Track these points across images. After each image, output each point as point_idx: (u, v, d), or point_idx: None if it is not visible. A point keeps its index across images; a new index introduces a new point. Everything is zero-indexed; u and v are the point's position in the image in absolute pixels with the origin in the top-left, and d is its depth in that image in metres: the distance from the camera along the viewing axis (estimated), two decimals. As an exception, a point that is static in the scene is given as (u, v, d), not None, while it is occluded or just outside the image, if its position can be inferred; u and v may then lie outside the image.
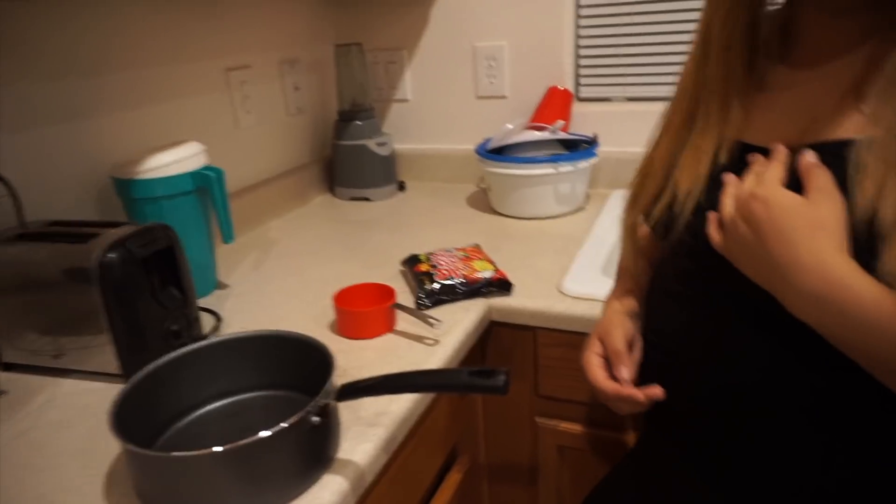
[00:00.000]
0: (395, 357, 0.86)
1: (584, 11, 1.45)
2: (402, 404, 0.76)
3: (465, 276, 1.01)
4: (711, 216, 0.61)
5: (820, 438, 0.57)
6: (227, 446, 0.56)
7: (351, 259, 1.21)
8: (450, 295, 0.99)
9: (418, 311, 0.94)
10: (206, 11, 1.28)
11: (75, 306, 0.82)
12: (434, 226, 1.37)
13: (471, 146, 1.48)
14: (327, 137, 1.66)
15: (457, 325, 0.93)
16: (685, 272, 0.68)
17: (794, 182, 0.56)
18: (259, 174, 1.48)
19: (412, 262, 1.08)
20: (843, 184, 0.53)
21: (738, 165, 0.62)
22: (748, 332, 0.60)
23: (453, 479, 1.00)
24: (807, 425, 0.57)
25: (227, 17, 1.34)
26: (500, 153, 1.40)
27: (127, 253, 0.80)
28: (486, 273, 1.02)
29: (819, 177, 0.54)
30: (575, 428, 1.06)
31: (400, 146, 1.69)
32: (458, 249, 1.11)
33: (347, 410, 0.73)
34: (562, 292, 1.00)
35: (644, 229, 0.79)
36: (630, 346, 0.74)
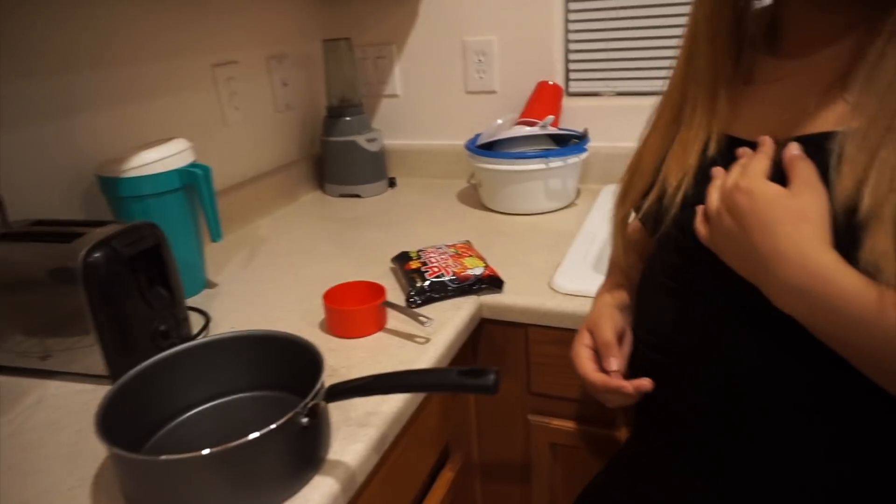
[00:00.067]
0: (385, 356, 0.86)
1: (574, 6, 1.45)
2: (392, 404, 0.75)
3: (455, 274, 1.00)
4: (699, 210, 0.61)
5: (816, 434, 0.57)
6: (216, 449, 0.56)
7: (341, 257, 1.21)
8: (440, 292, 0.99)
9: (409, 309, 0.94)
10: (191, 6, 1.27)
11: (61, 307, 0.81)
12: (425, 222, 1.37)
13: (461, 142, 1.47)
14: (316, 134, 1.65)
15: (448, 322, 0.93)
16: (674, 267, 0.68)
17: (780, 175, 0.56)
18: (247, 171, 1.47)
19: (403, 259, 1.08)
20: (827, 175, 0.53)
21: (727, 159, 0.62)
22: (739, 327, 0.60)
23: (446, 477, 1.00)
24: (801, 421, 0.57)
25: (213, 13, 1.32)
26: (490, 149, 1.40)
27: (112, 252, 0.79)
28: (476, 270, 1.01)
29: (803, 169, 0.55)
30: (567, 425, 1.05)
31: (390, 142, 1.68)
32: (448, 246, 1.10)
33: (338, 410, 0.73)
34: (553, 289, 1.00)
35: (634, 224, 0.79)
36: (619, 338, 0.74)
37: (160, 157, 0.98)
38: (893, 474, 0.56)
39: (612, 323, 0.74)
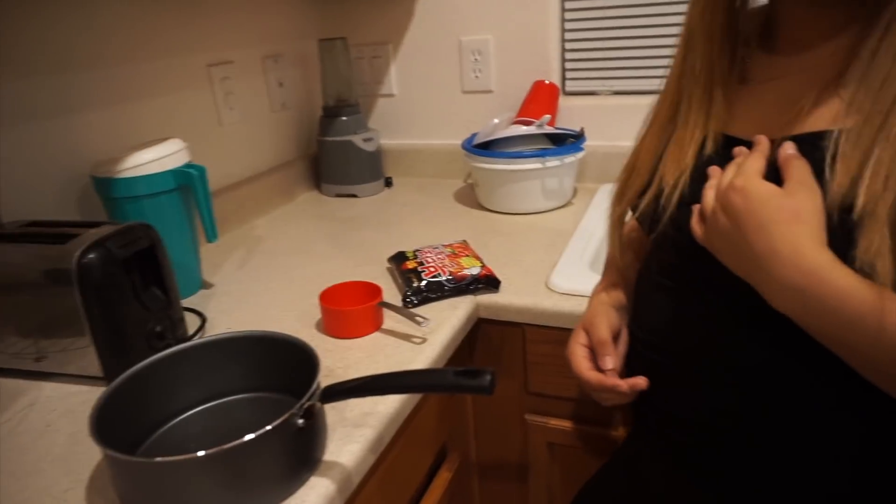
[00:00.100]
0: (382, 356, 0.85)
1: (570, 4, 1.44)
2: (389, 404, 0.75)
3: (452, 273, 1.00)
4: (695, 209, 0.61)
5: (815, 434, 0.57)
6: (211, 451, 0.55)
7: (337, 257, 1.20)
8: (437, 292, 0.99)
9: (405, 309, 0.93)
10: (186, 6, 1.26)
11: (56, 308, 0.81)
12: (421, 222, 1.36)
13: (457, 141, 1.47)
14: (313, 133, 1.65)
15: (444, 322, 0.92)
16: (671, 266, 0.68)
17: (776, 174, 0.56)
18: (243, 171, 1.46)
19: (399, 259, 1.07)
20: (822, 173, 0.53)
21: (723, 158, 0.62)
22: (737, 326, 0.60)
23: (443, 477, 1.00)
24: (801, 420, 0.57)
25: (208, 12, 1.32)
26: (486, 148, 1.39)
27: (107, 253, 0.79)
28: (473, 270, 1.01)
29: (797, 168, 0.54)
30: (565, 424, 1.05)
31: (386, 142, 1.68)
32: (445, 246, 1.10)
33: (334, 411, 0.72)
34: (550, 288, 1.00)
35: (631, 223, 0.79)
36: (615, 337, 0.74)
37: (155, 158, 0.98)
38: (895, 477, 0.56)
39: (607, 322, 0.74)
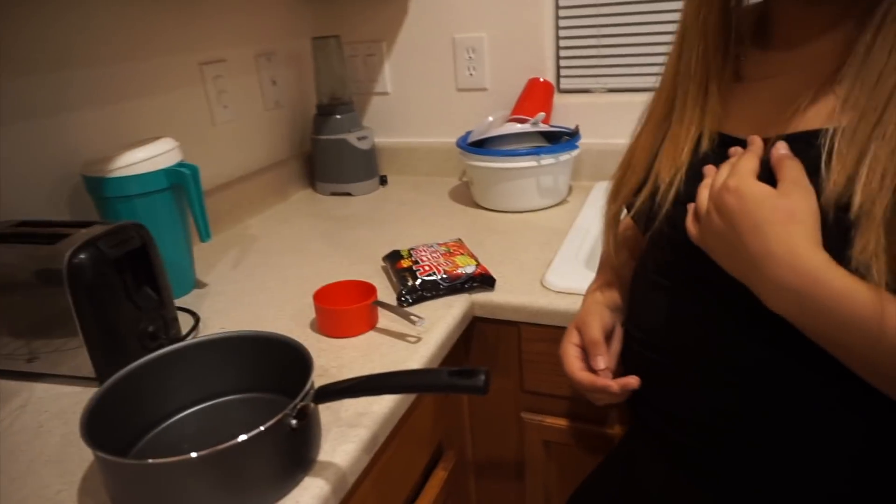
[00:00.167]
0: (377, 355, 0.85)
1: (564, 2, 1.44)
2: (383, 404, 0.74)
3: (447, 272, 1.00)
4: (690, 208, 0.61)
5: (814, 433, 0.56)
6: (204, 452, 0.55)
7: (332, 256, 1.20)
8: (432, 291, 0.98)
9: (400, 308, 0.93)
10: (177, 4, 1.25)
11: (47, 309, 0.80)
12: (416, 220, 1.36)
13: (452, 139, 1.46)
14: (306, 132, 1.64)
15: (439, 321, 0.92)
16: (666, 264, 0.67)
17: (769, 173, 0.56)
18: (237, 170, 1.46)
19: (394, 258, 1.07)
20: (818, 172, 0.53)
21: (719, 156, 0.62)
22: (733, 325, 0.59)
23: (439, 476, 0.99)
24: (798, 420, 0.57)
25: (200, 10, 1.31)
26: (481, 146, 1.39)
27: (98, 253, 0.78)
28: (468, 268, 1.01)
29: (791, 168, 0.54)
30: (560, 423, 1.05)
31: (380, 140, 1.67)
32: (440, 244, 1.10)
33: (328, 411, 0.72)
34: (545, 286, 1.00)
35: (626, 221, 0.79)
36: (608, 336, 0.74)
37: (147, 157, 0.97)
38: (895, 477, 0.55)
39: (599, 321, 0.74)
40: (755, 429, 0.59)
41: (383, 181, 1.64)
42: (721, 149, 0.62)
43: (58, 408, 0.79)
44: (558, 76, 1.51)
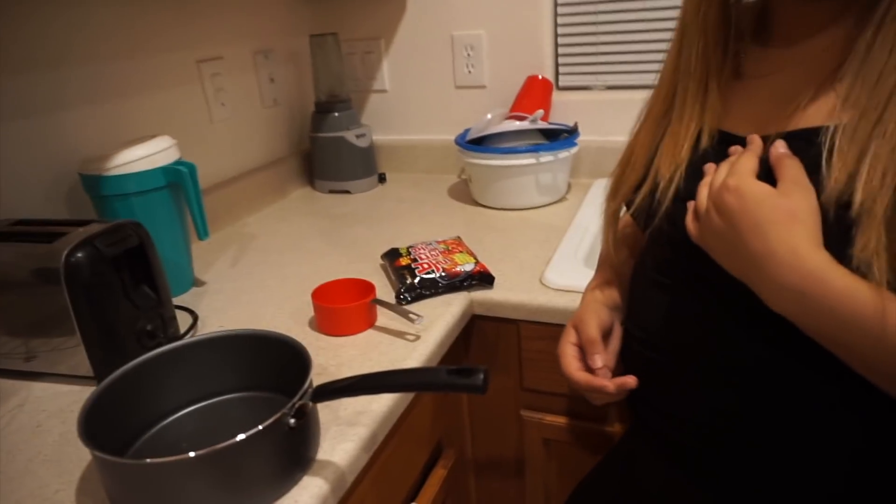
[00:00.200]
0: (375, 354, 0.85)
1: (563, -1, 1.44)
2: (383, 402, 0.74)
3: (446, 270, 1.00)
4: (690, 206, 0.60)
5: (814, 433, 0.56)
6: (202, 451, 0.55)
7: (330, 254, 1.20)
8: (431, 289, 0.98)
9: (399, 306, 0.93)
10: (175, 1, 1.25)
11: (45, 307, 0.80)
12: (415, 218, 1.36)
13: (451, 137, 1.46)
14: (305, 129, 1.64)
15: (438, 319, 0.92)
16: (666, 262, 0.67)
17: (768, 172, 0.55)
18: (235, 168, 1.45)
19: (392, 255, 1.07)
20: (818, 169, 0.53)
21: (719, 153, 0.61)
22: (733, 323, 0.59)
23: (439, 474, 0.99)
24: (798, 419, 0.56)
25: (197, 7, 1.30)
26: (480, 143, 1.39)
27: (95, 252, 0.78)
28: (467, 266, 1.01)
29: (790, 167, 0.54)
30: (560, 420, 1.05)
31: (379, 137, 1.67)
32: (439, 242, 1.10)
33: (327, 410, 0.72)
34: (544, 284, 0.99)
35: (626, 219, 0.78)
36: (606, 335, 0.73)
37: (144, 155, 0.97)
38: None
39: (597, 319, 0.73)
40: (755, 428, 0.59)
41: (382, 179, 1.63)
42: (721, 146, 0.62)
43: (56, 407, 0.79)
44: (557, 73, 1.50)
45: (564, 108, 1.48)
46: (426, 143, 1.65)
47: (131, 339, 0.82)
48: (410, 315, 0.88)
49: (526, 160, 1.28)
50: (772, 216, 0.52)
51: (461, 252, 1.05)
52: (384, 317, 0.93)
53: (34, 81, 1.00)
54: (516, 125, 1.38)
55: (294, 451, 0.63)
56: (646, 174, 0.68)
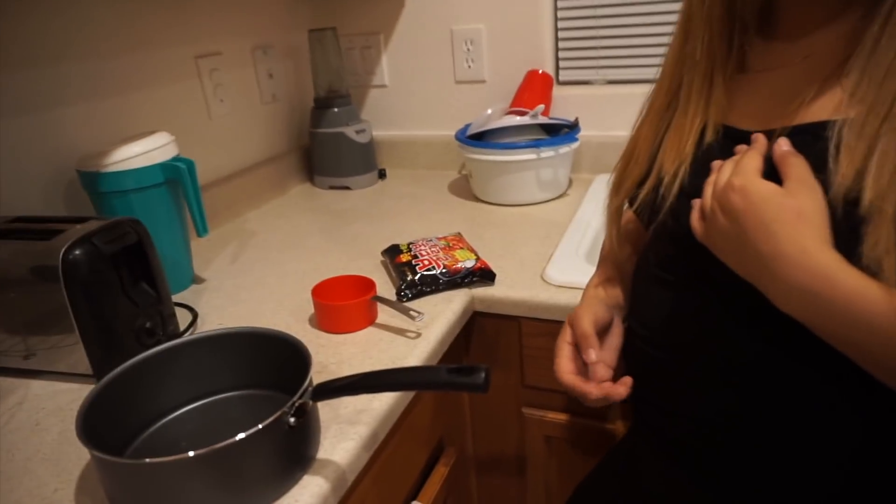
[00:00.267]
0: (376, 351, 0.84)
1: (564, -7, 1.43)
2: (383, 401, 0.74)
3: (446, 266, 0.99)
4: (695, 204, 0.59)
5: (815, 432, 0.56)
6: (201, 451, 0.54)
7: (330, 250, 1.19)
8: (431, 286, 0.97)
9: (399, 303, 0.92)
10: (174, -3, 1.24)
11: (43, 305, 0.80)
12: (415, 214, 1.35)
13: (451, 132, 1.45)
14: (304, 125, 1.63)
15: (439, 316, 0.91)
16: (669, 258, 0.66)
17: (772, 169, 0.55)
18: (234, 164, 1.45)
19: (393, 252, 1.06)
20: (825, 165, 0.52)
21: (724, 148, 0.61)
22: (735, 321, 0.59)
23: (440, 472, 0.99)
24: (800, 418, 0.56)
25: (195, 3, 1.29)
26: (480, 139, 1.38)
27: (93, 249, 0.77)
28: (468, 262, 1.00)
29: (795, 166, 0.53)
30: (562, 418, 1.05)
31: (379, 133, 1.66)
32: (439, 238, 1.09)
33: (327, 408, 0.71)
34: (545, 281, 0.99)
35: (629, 215, 0.78)
36: (602, 329, 0.72)
37: (142, 151, 0.96)
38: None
39: (591, 314, 0.73)
40: (755, 427, 0.58)
41: (382, 175, 1.63)
42: (726, 140, 0.61)
43: (54, 405, 0.79)
44: (557, 68, 1.50)
45: (565, 103, 1.48)
46: (426, 139, 1.64)
47: (130, 337, 0.82)
48: (411, 312, 0.87)
49: (526, 155, 1.27)
50: (779, 216, 0.52)
51: (462, 248, 1.05)
52: (385, 314, 0.93)
53: (33, 78, 1.00)
54: (517, 120, 1.38)
55: (294, 450, 0.62)
56: (649, 169, 0.67)
